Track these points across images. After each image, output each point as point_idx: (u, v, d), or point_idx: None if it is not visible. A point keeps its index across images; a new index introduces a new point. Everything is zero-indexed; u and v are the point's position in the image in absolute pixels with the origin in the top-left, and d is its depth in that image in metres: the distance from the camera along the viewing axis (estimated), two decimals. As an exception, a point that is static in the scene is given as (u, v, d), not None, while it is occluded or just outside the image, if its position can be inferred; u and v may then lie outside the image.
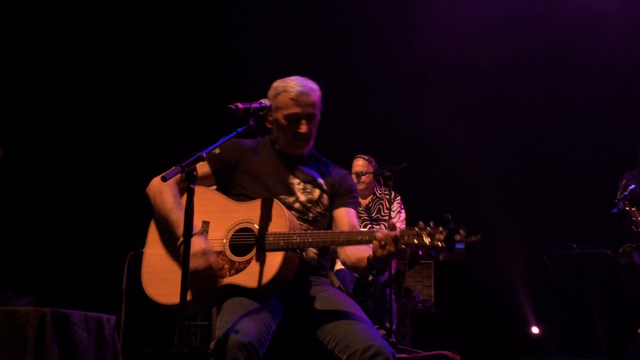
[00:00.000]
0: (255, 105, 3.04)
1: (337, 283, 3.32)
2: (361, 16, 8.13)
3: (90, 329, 4.19)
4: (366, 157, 6.45)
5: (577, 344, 6.84)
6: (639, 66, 7.74)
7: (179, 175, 2.75)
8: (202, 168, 3.20)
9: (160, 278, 3.06)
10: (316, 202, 3.26)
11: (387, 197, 6.30)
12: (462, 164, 7.87)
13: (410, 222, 6.53)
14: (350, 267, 3.14)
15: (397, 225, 6.13)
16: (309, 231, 2.99)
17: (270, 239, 2.92)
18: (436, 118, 8.01)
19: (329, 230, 3.00)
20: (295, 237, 2.90)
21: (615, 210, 4.44)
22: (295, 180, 3.27)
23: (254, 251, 2.95)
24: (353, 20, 8.13)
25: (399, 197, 6.37)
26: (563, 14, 7.86)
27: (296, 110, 3.20)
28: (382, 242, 2.73)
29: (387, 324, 5.60)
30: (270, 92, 3.27)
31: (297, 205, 3.21)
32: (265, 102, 3.10)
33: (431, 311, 6.87)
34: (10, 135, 7.13)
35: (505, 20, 8.02)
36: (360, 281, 6.08)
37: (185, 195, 2.89)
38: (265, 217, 3.00)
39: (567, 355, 6.65)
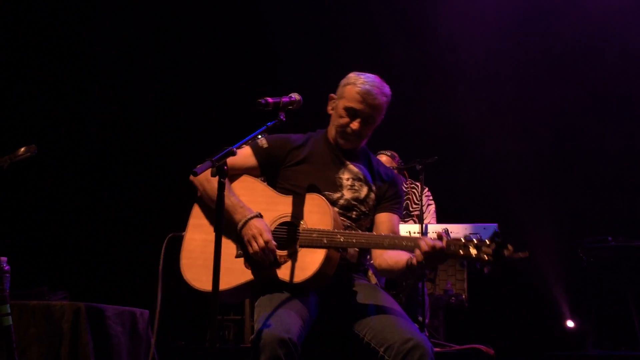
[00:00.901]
0: (285, 99, 3.05)
1: (374, 279, 3.32)
2: (391, 11, 8.09)
3: (124, 323, 4.23)
4: (389, 153, 6.41)
5: (613, 338, 6.77)
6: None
7: (236, 162, 2.76)
8: (249, 159, 3.22)
9: (200, 264, 3.06)
10: (362, 201, 3.23)
11: (415, 190, 6.27)
12: (494, 156, 7.80)
13: (441, 215, 6.50)
14: (386, 270, 3.11)
15: (428, 219, 6.13)
16: (353, 231, 2.98)
17: (314, 235, 2.91)
18: (468, 111, 7.94)
19: (374, 233, 2.98)
20: (339, 236, 2.89)
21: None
22: (345, 176, 3.25)
23: (296, 246, 2.95)
24: (382, 15, 8.09)
25: (427, 189, 6.33)
26: (593, 4, 7.75)
27: (356, 105, 3.17)
28: (427, 254, 2.72)
29: (420, 318, 5.58)
30: (342, 81, 3.27)
31: (342, 201, 3.20)
32: (295, 96, 3.09)
33: (464, 305, 6.82)
34: (41, 129, 7.23)
35: (535, 13, 7.94)
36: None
37: (234, 181, 2.90)
38: (310, 212, 3.00)
39: (602, 348, 6.58)
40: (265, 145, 3.23)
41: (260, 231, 2.93)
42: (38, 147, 3.18)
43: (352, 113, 3.18)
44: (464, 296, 6.86)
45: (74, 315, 3.90)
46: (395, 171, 6.26)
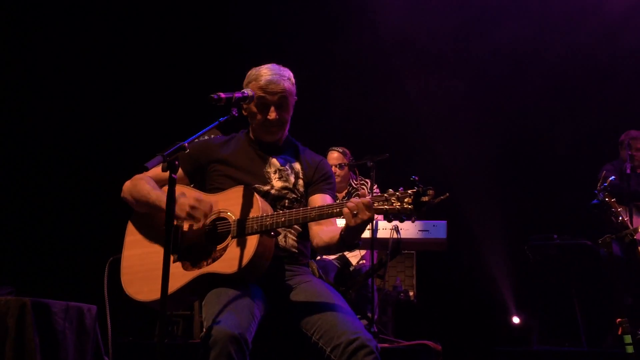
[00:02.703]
0: (237, 95, 3.05)
1: (317, 272, 3.34)
2: (339, 4, 8.11)
3: (71, 318, 4.17)
4: (340, 150, 6.43)
5: (557, 334, 6.90)
6: (620, 59, 7.79)
7: (154, 171, 2.82)
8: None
9: (140, 277, 3.09)
10: (291, 189, 3.28)
11: (365, 187, 6.30)
12: (443, 154, 7.90)
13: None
14: (323, 247, 3.14)
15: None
16: (280, 212, 2.99)
17: (245, 224, 2.94)
18: (418, 109, 8.02)
19: (301, 208, 3.00)
20: (267, 219, 2.91)
21: (595, 201, 4.48)
22: (271, 169, 3.29)
23: (229, 238, 2.97)
24: (332, 8, 8.10)
25: (375, 186, 6.37)
26: (544, 5, 7.90)
27: (265, 97, 3.20)
28: (354, 211, 2.76)
29: (369, 314, 5.61)
30: (245, 81, 3.29)
31: (273, 191, 3.23)
32: (247, 91, 3.12)
33: (413, 301, 6.89)
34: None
35: (482, 11, 8.06)
36: (342, 271, 6.09)
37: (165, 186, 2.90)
38: (238, 204, 3.02)
39: (547, 344, 6.70)
40: (187, 151, 3.23)
41: (186, 200, 2.95)
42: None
43: (264, 106, 3.22)
44: (412, 292, 6.93)
45: (19, 310, 3.83)
46: (346, 167, 6.33)
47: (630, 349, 3.88)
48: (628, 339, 3.90)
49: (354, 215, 2.77)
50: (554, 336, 6.89)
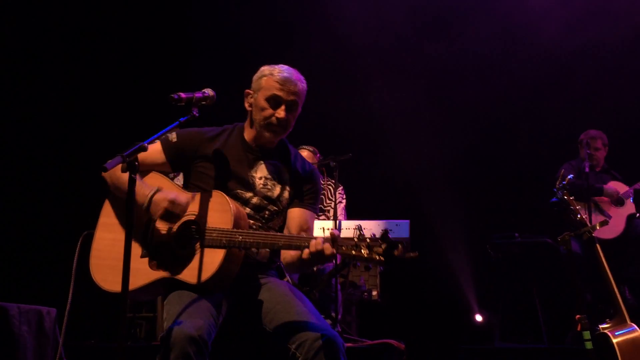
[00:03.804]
0: (198, 95, 3.01)
1: (286, 276, 3.32)
2: (302, 4, 8.11)
3: (30, 321, 4.12)
4: (311, 149, 6.43)
5: (519, 331, 6.97)
6: (578, 59, 7.90)
7: (142, 154, 2.72)
8: (158, 155, 3.17)
9: (108, 264, 3.03)
10: (274, 201, 3.21)
11: (331, 187, 6.32)
12: (406, 154, 7.93)
13: (354, 211, 6.56)
14: (289, 264, 3.13)
15: (339, 214, 6.19)
16: (252, 231, 2.94)
17: (214, 235, 2.88)
18: (380, 108, 8.06)
19: (271, 233, 2.96)
20: (237, 236, 2.85)
21: (554, 199, 4.52)
22: (258, 174, 3.21)
23: (197, 246, 2.92)
24: (296, 8, 8.10)
25: (341, 187, 6.39)
26: (505, 7, 7.98)
27: (279, 93, 3.13)
28: (319, 249, 2.72)
29: (333, 314, 5.62)
30: (256, 75, 3.23)
31: (254, 200, 3.17)
32: (208, 92, 3.05)
33: (377, 300, 6.91)
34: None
35: (448, 13, 8.12)
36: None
37: (143, 177, 2.88)
38: (212, 211, 2.96)
39: (509, 341, 6.76)
40: (174, 140, 3.16)
41: (162, 199, 2.93)
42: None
43: (275, 102, 3.14)
44: (376, 292, 6.95)
45: (-24, 314, 3.78)
46: (315, 166, 6.32)
47: (589, 345, 3.93)
48: (587, 335, 3.95)
49: (318, 252, 2.73)
50: (515, 333, 6.96)
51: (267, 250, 3.16)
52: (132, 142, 2.68)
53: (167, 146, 3.17)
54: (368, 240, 2.65)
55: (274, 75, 3.15)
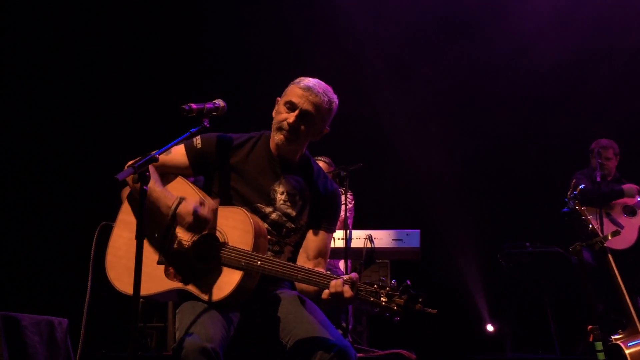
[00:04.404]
0: (209, 105, 3.00)
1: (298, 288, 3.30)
2: (312, 15, 8.13)
3: (41, 332, 4.13)
4: (327, 160, 6.42)
5: (531, 341, 6.94)
6: (590, 67, 7.88)
7: (164, 157, 2.76)
8: (181, 159, 3.14)
9: (124, 264, 3.01)
10: (294, 219, 3.17)
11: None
12: (417, 163, 7.92)
13: (365, 221, 6.55)
14: (301, 290, 3.10)
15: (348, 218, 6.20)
16: (272, 258, 2.91)
17: (233, 255, 2.86)
18: (391, 118, 8.05)
19: (290, 264, 2.90)
20: (257, 260, 2.83)
21: (565, 209, 4.51)
22: (280, 189, 3.17)
23: (215, 262, 2.90)
24: (306, 19, 8.11)
25: (351, 195, 6.38)
26: (517, 17, 7.97)
27: (295, 99, 3.11)
28: (333, 296, 2.72)
29: (344, 324, 5.61)
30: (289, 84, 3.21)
31: (273, 216, 3.13)
32: (219, 102, 3.03)
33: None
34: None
35: (458, 21, 8.12)
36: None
37: (167, 182, 2.89)
38: (234, 229, 2.94)
39: (520, 351, 6.74)
40: (199, 146, 3.12)
41: (187, 210, 2.88)
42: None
43: (290, 107, 3.11)
44: (387, 301, 6.91)
45: (-12, 324, 3.79)
46: (330, 176, 6.31)
47: (601, 356, 3.91)
48: (599, 345, 3.93)
49: (337, 293, 2.73)
50: (527, 344, 6.94)
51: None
52: (144, 152, 2.68)
53: (190, 151, 3.13)
54: (388, 289, 2.65)
55: (299, 84, 3.14)
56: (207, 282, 2.87)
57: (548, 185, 7.39)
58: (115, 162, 3.13)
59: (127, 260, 2.94)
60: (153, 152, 2.68)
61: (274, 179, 3.17)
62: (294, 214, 3.16)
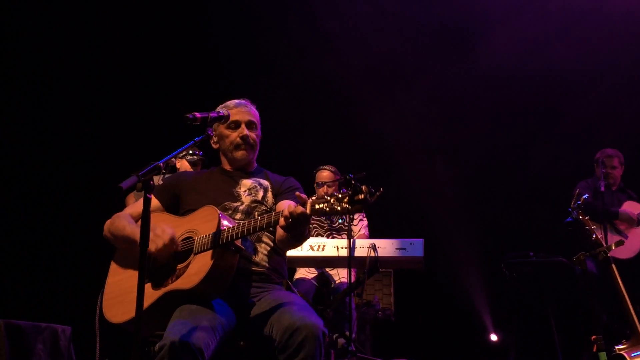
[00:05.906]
0: (213, 114, 3.08)
1: (292, 290, 3.33)
2: (313, 27, 8.15)
3: (45, 340, 4.14)
4: (332, 169, 6.43)
5: (534, 351, 6.92)
6: (593, 77, 7.89)
7: (131, 208, 3.05)
8: (152, 202, 3.21)
9: (116, 301, 3.17)
10: (260, 202, 3.39)
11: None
12: (420, 173, 7.93)
13: (372, 229, 6.56)
14: (281, 241, 3.22)
15: (362, 232, 6.20)
16: (234, 226, 3.00)
17: (204, 240, 3.00)
18: (395, 127, 8.06)
19: (255, 219, 3.01)
20: (223, 233, 2.96)
21: (569, 219, 4.51)
22: (242, 189, 3.41)
23: (191, 255, 3.02)
24: (307, 31, 8.14)
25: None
26: (518, 26, 7.99)
27: (236, 117, 3.39)
28: (289, 219, 2.79)
29: (347, 332, 5.60)
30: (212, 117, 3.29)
31: (242, 207, 3.34)
32: (223, 111, 3.17)
33: (391, 319, 6.88)
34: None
35: (460, 33, 8.14)
36: (320, 290, 6.09)
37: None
38: (203, 222, 3.09)
39: (524, 362, 6.72)
40: (160, 182, 3.40)
41: (161, 233, 3.00)
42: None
43: (235, 125, 3.42)
44: (390, 310, 6.93)
45: (-8, 332, 3.80)
46: (335, 184, 6.33)
47: (605, 366, 3.90)
48: (603, 356, 3.92)
49: (291, 213, 2.79)
50: (531, 353, 6.92)
51: (264, 254, 3.27)
52: (148, 160, 2.70)
53: (156, 191, 3.33)
54: (338, 194, 2.74)
55: (227, 107, 3.47)
56: (188, 273, 2.99)
57: (552, 195, 7.38)
58: (121, 171, 3.17)
59: (119, 297, 3.18)
60: (156, 162, 2.71)
61: (234, 184, 3.44)
62: (259, 198, 3.41)
